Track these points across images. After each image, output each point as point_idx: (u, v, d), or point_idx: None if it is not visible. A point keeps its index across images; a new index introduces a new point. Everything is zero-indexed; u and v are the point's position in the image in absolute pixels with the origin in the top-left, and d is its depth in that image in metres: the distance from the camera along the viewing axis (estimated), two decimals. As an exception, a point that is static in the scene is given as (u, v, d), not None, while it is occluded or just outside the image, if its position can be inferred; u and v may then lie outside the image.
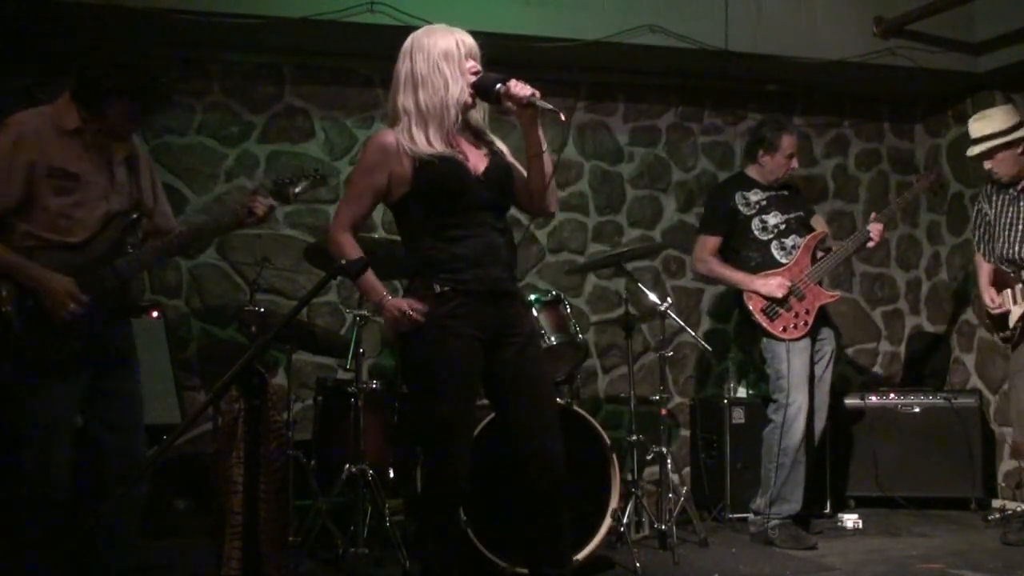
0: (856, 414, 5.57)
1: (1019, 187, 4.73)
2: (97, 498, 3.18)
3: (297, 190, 3.49)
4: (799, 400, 4.64)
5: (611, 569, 4.24)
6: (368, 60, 5.15)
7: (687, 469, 5.60)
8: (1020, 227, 4.71)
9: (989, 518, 5.15)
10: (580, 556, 3.99)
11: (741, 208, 4.80)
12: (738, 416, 5.28)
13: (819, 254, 4.82)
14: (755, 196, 4.83)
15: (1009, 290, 4.71)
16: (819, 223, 4.99)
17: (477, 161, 3.05)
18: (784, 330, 4.65)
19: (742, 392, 5.55)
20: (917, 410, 5.54)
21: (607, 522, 4.18)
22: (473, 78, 3.00)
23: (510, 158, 3.15)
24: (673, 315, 4.61)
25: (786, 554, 4.50)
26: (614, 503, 4.21)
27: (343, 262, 2.92)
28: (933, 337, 6.18)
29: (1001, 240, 4.76)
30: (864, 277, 6.29)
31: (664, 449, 4.68)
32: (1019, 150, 4.67)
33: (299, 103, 5.35)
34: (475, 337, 2.98)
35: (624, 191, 5.85)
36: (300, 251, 4.74)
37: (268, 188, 3.47)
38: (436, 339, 2.96)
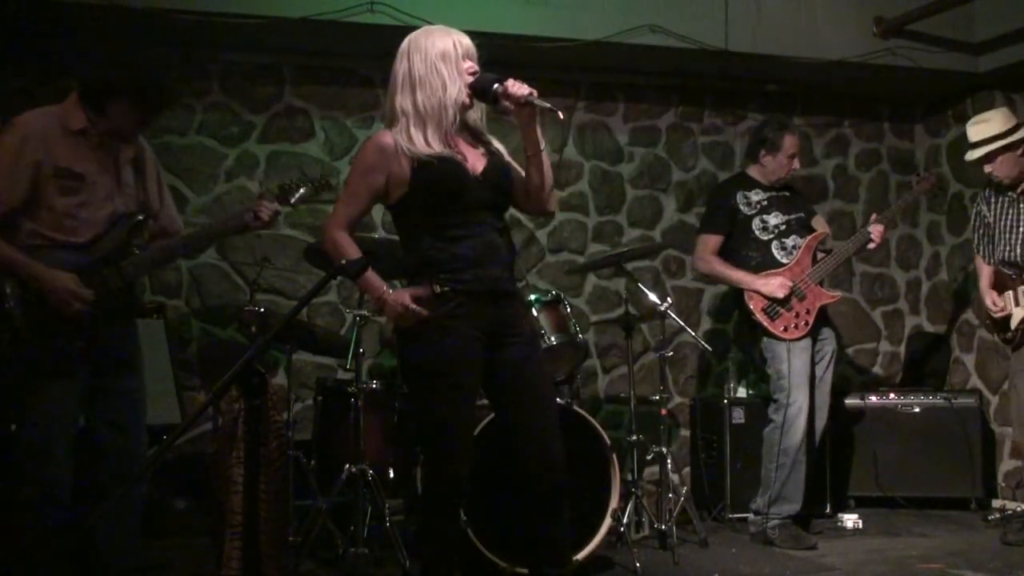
0: (856, 414, 5.57)
1: (1019, 190, 4.73)
2: (98, 497, 3.18)
3: (297, 197, 3.48)
4: (800, 400, 4.64)
5: (611, 569, 4.24)
6: (368, 60, 5.15)
7: (687, 469, 5.60)
8: (1021, 230, 4.71)
9: (989, 518, 5.14)
10: (580, 556, 3.99)
11: (742, 208, 4.80)
12: (738, 416, 5.28)
13: (819, 255, 4.82)
14: (756, 196, 4.83)
15: (1010, 292, 4.71)
16: (820, 224, 5.00)
17: (475, 161, 3.05)
18: (785, 330, 4.66)
19: (742, 392, 5.55)
20: (917, 410, 5.54)
21: (607, 522, 4.18)
22: (471, 79, 3.00)
23: (508, 158, 3.15)
24: (673, 315, 4.61)
25: (786, 554, 4.50)
26: (614, 503, 4.21)
27: (343, 262, 2.92)
28: (933, 337, 6.18)
29: (1002, 243, 4.76)
30: (864, 277, 6.29)
31: (664, 449, 4.69)
32: (1019, 152, 4.67)
33: (299, 103, 5.35)
34: (475, 337, 2.98)
35: (624, 191, 5.86)
36: (300, 251, 4.74)
37: (274, 193, 3.47)
38: (436, 339, 2.96)
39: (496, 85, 2.96)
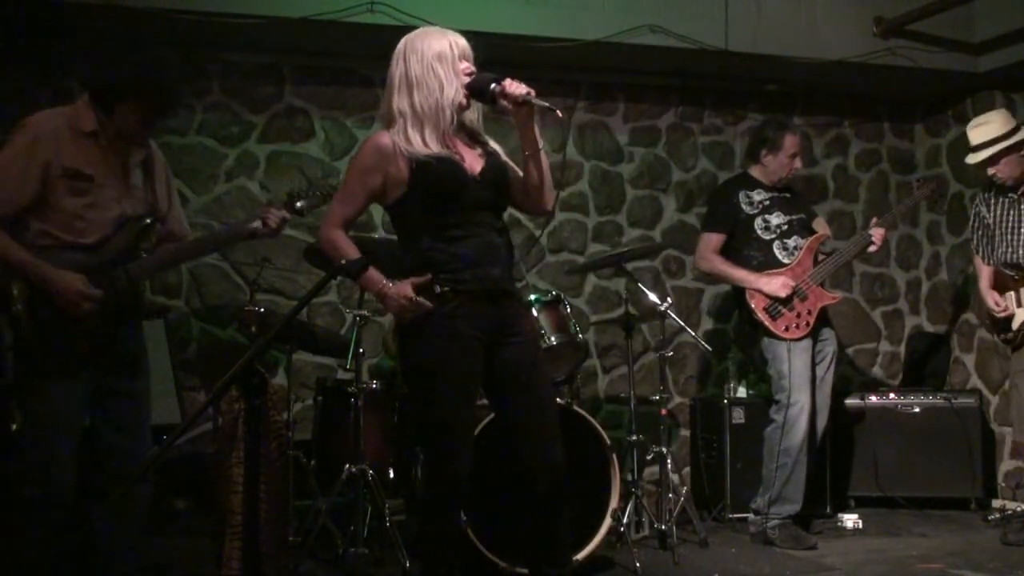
0: (856, 414, 5.57)
1: (1020, 191, 4.73)
2: (102, 498, 3.19)
3: (304, 204, 3.49)
4: (802, 400, 4.64)
5: (611, 569, 4.24)
6: (368, 60, 5.15)
7: (687, 469, 5.60)
8: (1022, 231, 4.71)
9: (989, 518, 5.15)
10: (580, 556, 3.99)
11: (744, 207, 4.81)
12: (738, 416, 5.28)
13: (820, 256, 4.83)
14: (758, 196, 4.83)
15: (1012, 293, 4.71)
16: (821, 225, 5.00)
17: (473, 162, 3.05)
18: (786, 329, 4.66)
19: (742, 392, 5.55)
20: (917, 410, 5.54)
21: (607, 522, 4.18)
22: (467, 79, 3.00)
23: (505, 158, 3.16)
24: (673, 315, 4.61)
25: (786, 554, 4.50)
26: (614, 503, 4.21)
27: (343, 262, 2.92)
28: (933, 337, 6.18)
29: (1003, 244, 4.77)
30: (864, 277, 6.29)
31: (664, 449, 4.69)
32: (1022, 152, 4.67)
33: (299, 103, 5.35)
34: (475, 337, 2.98)
35: (624, 191, 5.86)
36: (300, 251, 4.74)
37: (282, 200, 3.48)
38: (436, 339, 2.96)
39: (494, 85, 2.96)
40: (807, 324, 4.68)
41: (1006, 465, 5.67)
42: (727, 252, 4.82)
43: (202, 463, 4.53)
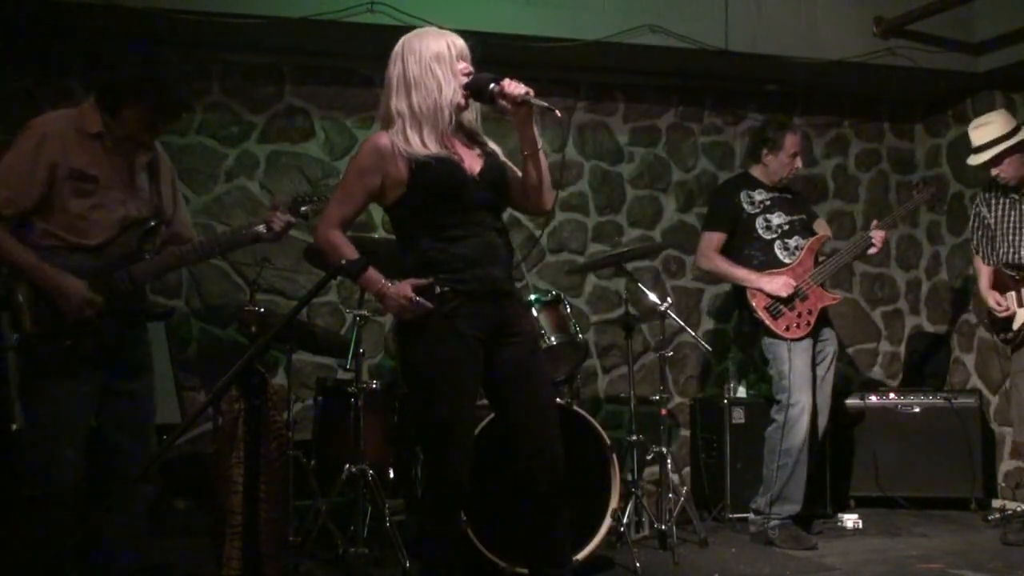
0: (856, 414, 5.57)
1: (1023, 191, 4.73)
2: (105, 498, 3.19)
3: (308, 209, 3.49)
4: (803, 400, 4.64)
5: (611, 569, 4.24)
6: (368, 60, 5.15)
7: (687, 469, 5.60)
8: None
9: (989, 518, 5.15)
10: (580, 556, 3.99)
11: (746, 206, 4.81)
12: (738, 416, 5.28)
13: (820, 257, 4.83)
14: (760, 196, 4.83)
15: (1013, 293, 4.71)
16: (821, 226, 5.00)
17: (472, 162, 3.06)
18: (787, 329, 4.66)
19: (742, 392, 5.55)
20: (917, 410, 5.54)
21: (607, 522, 4.18)
22: (465, 79, 3.01)
23: (504, 159, 3.16)
24: (673, 315, 4.61)
25: (786, 554, 4.50)
26: (614, 503, 4.21)
27: (344, 262, 2.92)
28: (933, 337, 6.18)
29: (1005, 245, 4.77)
30: (864, 277, 6.29)
31: (664, 449, 4.69)
32: None
33: (299, 103, 5.35)
34: (475, 337, 2.98)
35: (624, 191, 5.85)
36: (300, 251, 4.74)
37: (287, 204, 3.49)
38: (436, 339, 2.96)
39: (492, 85, 2.96)
40: (808, 324, 4.68)
41: (1006, 465, 5.67)
42: (728, 251, 4.82)
43: (202, 463, 4.53)
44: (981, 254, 4.92)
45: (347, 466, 4.11)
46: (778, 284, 4.65)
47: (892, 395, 5.62)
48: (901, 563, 4.32)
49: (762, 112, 5.91)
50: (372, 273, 2.99)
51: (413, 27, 3.24)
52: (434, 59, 2.99)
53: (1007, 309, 4.72)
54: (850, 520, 5.10)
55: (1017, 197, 4.76)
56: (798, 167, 4.90)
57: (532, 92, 2.95)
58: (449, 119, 3.01)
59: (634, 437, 4.65)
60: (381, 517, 4.13)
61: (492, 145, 3.16)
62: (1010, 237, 4.76)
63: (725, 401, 5.33)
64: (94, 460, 3.21)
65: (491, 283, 3.01)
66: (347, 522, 4.15)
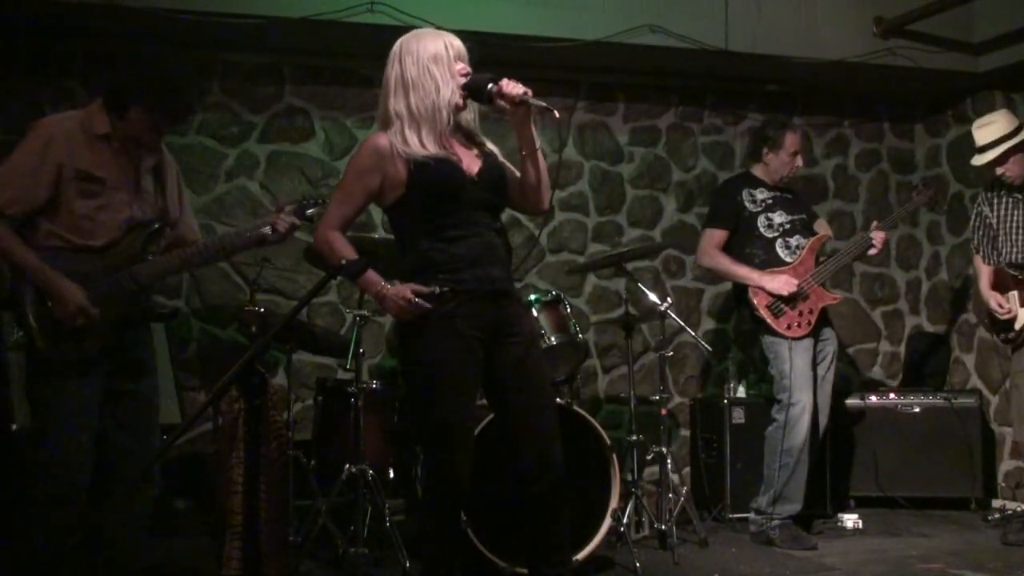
0: (856, 414, 5.57)
1: None
2: (108, 498, 3.19)
3: (313, 212, 3.50)
4: (803, 400, 4.64)
5: (611, 569, 4.25)
6: (368, 60, 5.15)
7: (687, 469, 5.60)
8: None
9: (989, 518, 5.15)
10: (580, 556, 3.99)
11: (747, 205, 4.81)
12: (738, 416, 5.28)
13: (820, 258, 4.83)
14: (761, 195, 4.83)
15: (1014, 293, 4.70)
16: (822, 227, 5.00)
17: (470, 162, 3.06)
18: (788, 328, 4.66)
19: (742, 392, 5.54)
20: (917, 410, 5.54)
21: (607, 522, 4.18)
22: (463, 80, 3.01)
23: (502, 159, 3.16)
24: (673, 315, 4.61)
25: (786, 554, 4.50)
26: (614, 503, 4.21)
27: (343, 262, 2.92)
28: (933, 337, 6.18)
29: (1008, 244, 4.76)
30: (864, 277, 6.29)
31: (664, 449, 4.69)
32: None
33: (299, 103, 5.35)
34: (475, 337, 2.98)
35: (624, 191, 5.85)
36: (300, 251, 4.74)
37: (293, 208, 3.49)
38: (436, 339, 2.96)
39: (491, 85, 2.96)
40: (808, 323, 4.68)
41: (1006, 465, 5.68)
42: (728, 250, 4.81)
43: (202, 463, 4.53)
44: (982, 254, 4.91)
45: (347, 466, 4.11)
46: (780, 283, 4.65)
47: (892, 395, 5.62)
48: (901, 563, 4.32)
49: (762, 112, 5.91)
50: (371, 274, 2.99)
51: (413, 27, 3.24)
52: (432, 60, 2.99)
53: (1009, 311, 4.71)
54: (850, 520, 5.10)
55: (1020, 196, 4.76)
56: (799, 166, 4.90)
57: (530, 92, 2.95)
58: (447, 120, 3.01)
59: (634, 437, 4.65)
60: (381, 517, 4.14)
61: (490, 145, 3.16)
62: (1013, 236, 4.76)
63: (725, 401, 5.34)
64: (97, 460, 3.22)
65: (490, 283, 3.01)
66: (347, 522, 4.14)
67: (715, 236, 4.84)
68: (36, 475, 3.15)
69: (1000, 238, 4.82)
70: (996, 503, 5.56)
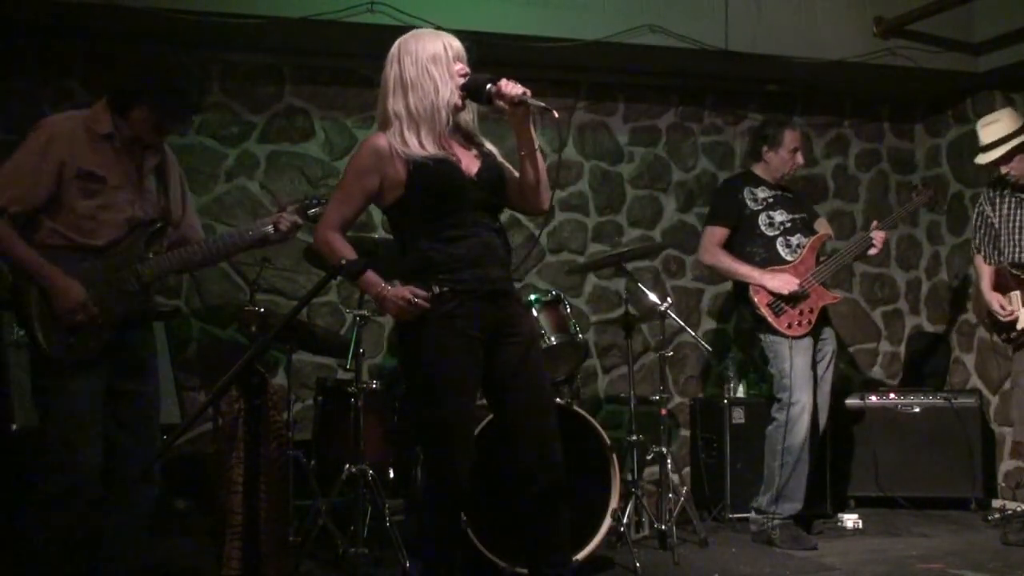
0: (856, 414, 5.57)
1: None
2: (108, 498, 3.20)
3: (315, 212, 3.50)
4: (803, 399, 4.64)
5: (611, 569, 4.25)
6: (368, 60, 5.13)
7: (687, 469, 5.60)
8: None
9: (989, 518, 5.15)
10: (580, 556, 3.99)
11: (749, 203, 4.80)
12: (738, 416, 5.28)
13: (821, 257, 4.83)
14: (763, 193, 4.83)
15: (1016, 293, 4.70)
16: (823, 226, 5.00)
17: (469, 163, 3.06)
18: (789, 327, 4.65)
19: (742, 392, 5.55)
20: (917, 410, 5.54)
21: (607, 522, 4.18)
22: (462, 80, 3.01)
23: (501, 159, 3.16)
24: (673, 315, 4.61)
25: (786, 554, 4.50)
26: (614, 503, 4.21)
27: (343, 262, 2.92)
28: (933, 337, 6.18)
29: (1011, 244, 4.75)
30: (864, 277, 6.29)
31: (664, 449, 4.69)
32: None
33: (299, 103, 5.35)
34: (475, 337, 2.98)
35: (624, 191, 5.86)
36: (300, 251, 4.74)
37: (296, 208, 3.50)
38: (436, 339, 2.96)
39: (489, 85, 2.96)
40: (809, 322, 4.68)
41: (1006, 465, 5.67)
42: (729, 248, 4.81)
43: (202, 463, 4.53)
44: (983, 253, 4.91)
45: (347, 466, 4.11)
46: (781, 281, 4.65)
47: (892, 395, 5.61)
48: (901, 563, 4.32)
49: (762, 112, 5.92)
50: (371, 275, 2.99)
51: (413, 27, 3.24)
52: (430, 60, 2.99)
53: (1011, 313, 4.70)
54: (850, 520, 5.10)
55: (1023, 196, 4.75)
56: (799, 163, 4.90)
57: (529, 92, 2.95)
58: (446, 120, 3.01)
59: (634, 437, 4.65)
60: (381, 517, 4.14)
61: (489, 146, 3.16)
62: (1015, 236, 4.75)
63: (725, 401, 5.34)
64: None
65: (490, 283, 3.01)
66: (347, 522, 4.15)
67: (716, 234, 4.83)
68: (41, 473, 3.15)
69: (1002, 238, 4.81)
70: (996, 503, 5.55)
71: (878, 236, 4.81)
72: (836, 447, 5.37)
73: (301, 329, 4.50)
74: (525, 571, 3.39)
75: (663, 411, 4.77)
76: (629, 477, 4.61)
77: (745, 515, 4.91)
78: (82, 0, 4.47)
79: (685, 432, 5.74)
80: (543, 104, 2.93)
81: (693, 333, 4.72)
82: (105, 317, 3.14)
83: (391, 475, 4.38)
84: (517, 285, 3.79)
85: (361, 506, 4.10)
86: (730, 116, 6.02)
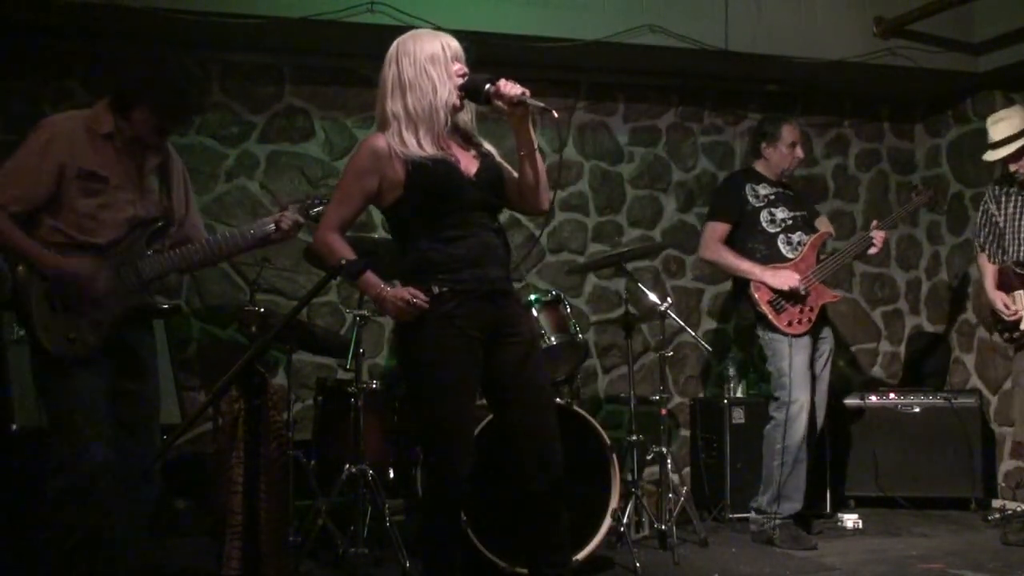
0: (856, 414, 5.57)
1: None
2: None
3: (317, 212, 3.50)
4: (802, 398, 4.64)
5: (611, 569, 4.24)
6: (368, 60, 5.10)
7: (687, 469, 5.60)
8: None
9: (989, 518, 5.15)
10: (580, 556, 3.99)
11: (750, 199, 4.80)
12: (738, 416, 5.28)
13: (821, 256, 4.83)
14: (764, 190, 4.83)
15: (1020, 292, 4.69)
16: (824, 224, 5.00)
17: (468, 163, 3.06)
18: (789, 324, 4.65)
19: (742, 392, 5.55)
20: (917, 410, 5.54)
21: (607, 522, 4.18)
22: (460, 80, 3.01)
23: (499, 159, 3.16)
24: (673, 315, 4.61)
25: (786, 554, 4.50)
26: (614, 503, 4.21)
27: (343, 262, 2.92)
28: (933, 337, 6.18)
29: (1015, 243, 4.75)
30: (864, 277, 6.29)
31: (664, 449, 4.69)
32: None
33: (299, 103, 5.36)
34: (474, 337, 2.98)
35: (624, 191, 5.86)
36: (300, 251, 4.73)
37: (298, 208, 3.50)
38: (435, 339, 2.96)
39: (488, 85, 2.96)
40: (809, 320, 4.68)
41: (1006, 465, 5.67)
42: (730, 244, 4.80)
43: (202, 463, 4.53)
44: (988, 252, 4.90)
45: (347, 466, 4.11)
46: (784, 278, 4.65)
47: (892, 395, 5.61)
48: (901, 563, 4.32)
49: (762, 112, 5.91)
50: (370, 276, 2.99)
51: (413, 27, 3.25)
52: (429, 61, 2.99)
53: (1015, 313, 4.69)
54: (850, 520, 5.10)
55: None
56: (799, 157, 4.89)
57: (528, 92, 2.95)
58: (445, 120, 3.01)
59: (634, 437, 4.65)
60: (381, 517, 4.13)
61: (488, 146, 3.16)
62: (1020, 235, 4.75)
63: (725, 401, 5.34)
64: None
65: (489, 283, 3.01)
66: (347, 522, 4.15)
67: (718, 229, 4.83)
68: (50, 472, 3.15)
69: (1007, 236, 4.80)
70: (996, 503, 5.55)
71: (878, 236, 4.81)
72: (836, 447, 5.38)
73: (301, 329, 4.50)
74: (525, 571, 3.39)
75: (663, 411, 4.77)
76: (629, 477, 4.60)
77: (745, 515, 4.91)
78: (82, 0, 4.47)
79: (685, 432, 5.74)
80: (542, 104, 2.93)
81: (693, 333, 4.72)
82: (104, 312, 3.14)
83: (391, 475, 4.38)
84: (517, 285, 3.79)
85: (361, 506, 4.11)
86: (730, 116, 6.02)
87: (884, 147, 6.35)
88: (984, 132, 4.87)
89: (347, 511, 4.20)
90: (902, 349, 6.33)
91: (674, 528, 4.48)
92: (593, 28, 5.01)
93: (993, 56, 5.51)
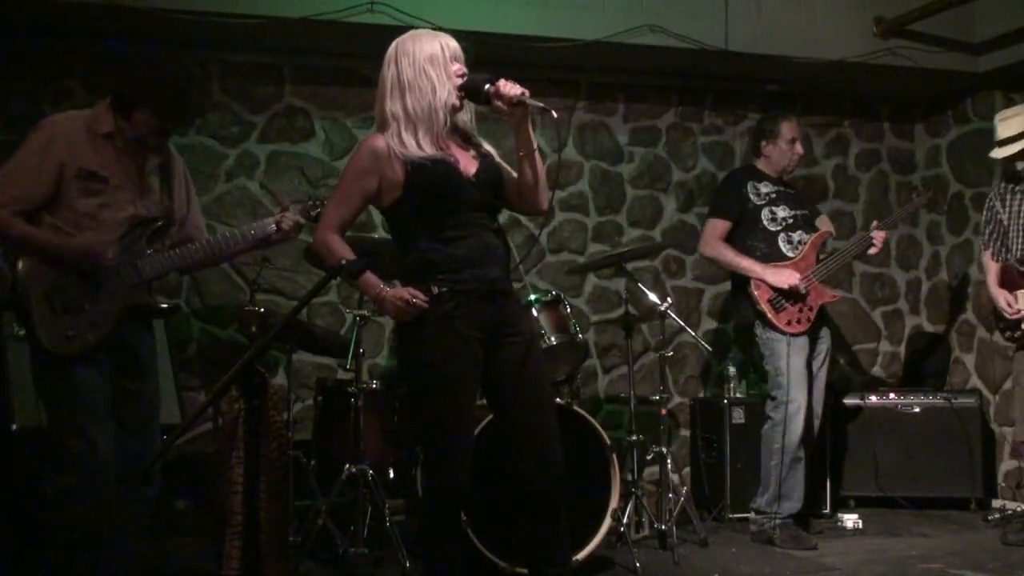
0: (856, 414, 5.57)
1: None
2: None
3: (317, 213, 3.51)
4: (799, 398, 4.64)
5: (611, 569, 4.24)
6: (368, 60, 5.08)
7: (687, 469, 5.60)
8: None
9: (989, 518, 5.15)
10: (580, 556, 3.99)
11: (752, 197, 4.80)
12: (738, 416, 5.28)
13: (821, 255, 4.83)
14: (765, 188, 4.83)
15: (1022, 291, 4.69)
16: (824, 223, 5.00)
17: (468, 163, 3.06)
18: (788, 323, 4.65)
19: (742, 392, 5.55)
20: (917, 410, 5.54)
21: (607, 522, 4.18)
22: (460, 80, 3.01)
23: (499, 159, 3.16)
24: (673, 315, 4.61)
25: (786, 554, 4.50)
26: (614, 503, 4.21)
27: (343, 262, 2.92)
28: (933, 337, 6.18)
29: (1018, 241, 4.74)
30: (864, 277, 6.29)
31: (664, 449, 4.69)
32: None
33: (299, 103, 5.36)
34: (474, 337, 2.99)
35: (624, 191, 5.86)
36: (300, 251, 4.74)
37: (298, 209, 3.50)
38: (435, 339, 2.96)
39: (488, 86, 2.96)
40: (808, 320, 4.68)
41: (1006, 465, 5.67)
42: (730, 242, 4.79)
43: (202, 463, 4.53)
44: (991, 250, 4.88)
45: (347, 466, 4.11)
46: (784, 277, 4.64)
47: (892, 395, 5.61)
48: (901, 563, 4.32)
49: (762, 112, 5.90)
50: (370, 276, 2.99)
51: (413, 27, 3.24)
52: (428, 61, 2.99)
53: (1018, 311, 4.68)
54: (850, 520, 5.10)
55: None
56: (799, 153, 4.89)
57: (528, 92, 2.95)
58: (444, 121, 3.01)
59: (634, 437, 4.65)
60: (381, 517, 4.13)
61: (487, 146, 3.17)
62: None
63: (725, 401, 5.34)
64: None
65: (489, 283, 3.01)
66: (347, 522, 4.15)
67: (718, 227, 4.82)
68: (52, 471, 3.15)
69: (1011, 235, 4.80)
70: (996, 503, 5.56)
71: (878, 236, 4.81)
72: (836, 447, 5.38)
73: (301, 329, 4.50)
74: (525, 571, 3.39)
75: (663, 411, 4.77)
76: (629, 477, 4.61)
77: (745, 515, 4.91)
78: (82, 0, 4.47)
79: (685, 432, 5.74)
80: (542, 104, 2.93)
81: (693, 333, 4.72)
82: (104, 310, 3.14)
83: (391, 475, 4.38)
84: (517, 285, 3.79)
85: (361, 506, 4.11)
86: (730, 116, 6.02)
87: (884, 147, 6.35)
88: (985, 131, 4.87)
89: (347, 511, 4.20)
90: (902, 349, 6.33)
91: (674, 528, 4.48)
92: (593, 28, 5.01)
93: (993, 56, 5.51)
